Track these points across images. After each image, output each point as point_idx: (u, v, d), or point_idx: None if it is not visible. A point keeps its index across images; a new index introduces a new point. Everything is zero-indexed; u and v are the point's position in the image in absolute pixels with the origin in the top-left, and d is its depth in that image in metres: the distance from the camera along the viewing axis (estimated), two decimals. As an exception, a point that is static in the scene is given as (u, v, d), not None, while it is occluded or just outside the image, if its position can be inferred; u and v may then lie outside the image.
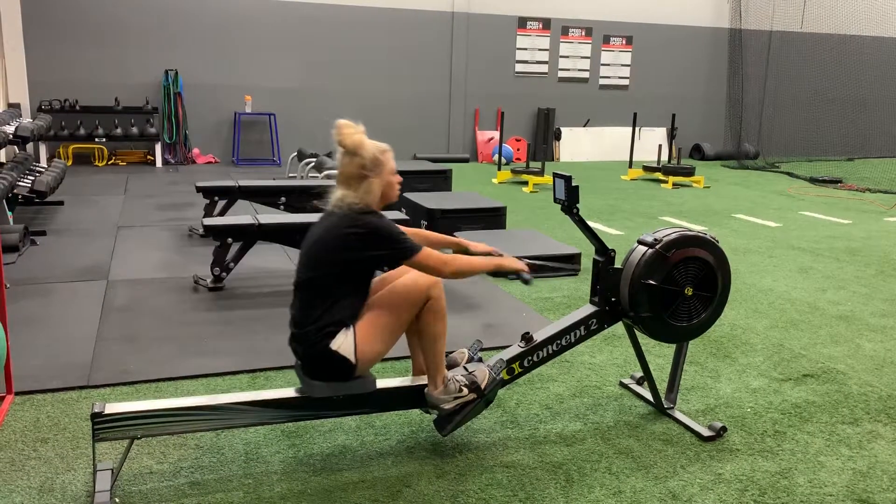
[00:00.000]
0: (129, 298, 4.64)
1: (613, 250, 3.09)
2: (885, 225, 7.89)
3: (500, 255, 2.89)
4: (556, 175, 3.05)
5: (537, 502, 2.56)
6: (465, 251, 2.96)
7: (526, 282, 2.82)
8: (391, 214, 5.60)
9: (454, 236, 3.03)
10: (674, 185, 10.43)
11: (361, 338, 2.58)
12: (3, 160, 7.93)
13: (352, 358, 2.57)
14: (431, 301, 2.70)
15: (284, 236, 5.09)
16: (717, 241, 3.09)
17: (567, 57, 13.44)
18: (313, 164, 9.06)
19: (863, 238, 7.15)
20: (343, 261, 2.55)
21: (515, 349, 3.01)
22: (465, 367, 2.96)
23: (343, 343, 2.56)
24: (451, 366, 3.00)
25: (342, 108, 12.10)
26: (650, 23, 13.71)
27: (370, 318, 2.62)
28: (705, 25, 14.08)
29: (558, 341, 3.04)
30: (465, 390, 2.80)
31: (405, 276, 2.71)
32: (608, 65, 13.71)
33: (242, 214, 5.41)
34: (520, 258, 2.91)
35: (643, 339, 3.24)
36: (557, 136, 13.47)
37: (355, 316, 2.62)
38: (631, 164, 11.40)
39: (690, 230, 3.08)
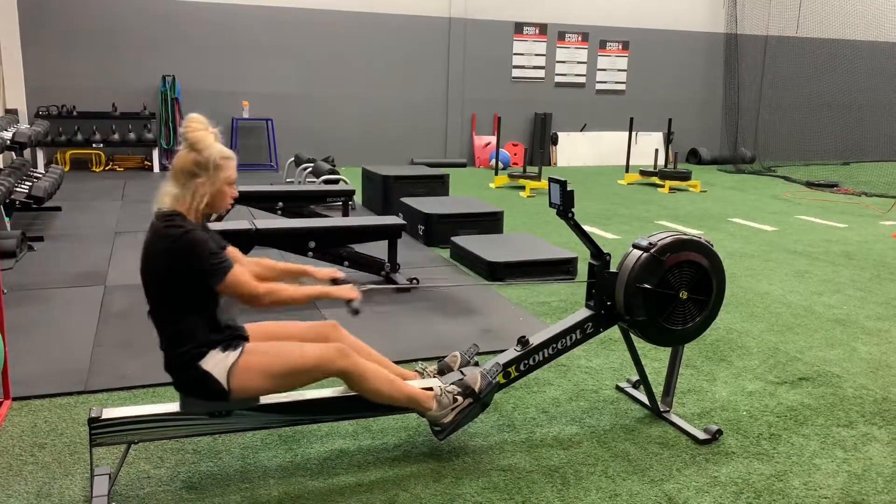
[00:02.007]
0: (127, 304, 4.64)
1: (609, 254, 3.10)
2: (880, 229, 7.92)
3: (342, 281, 2.72)
4: (551, 179, 3.07)
5: (534, 505, 2.57)
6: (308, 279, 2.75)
7: (354, 311, 2.62)
8: (391, 218, 5.61)
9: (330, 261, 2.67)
10: (670, 189, 10.46)
11: (243, 368, 2.45)
12: (1, 166, 7.94)
13: (224, 383, 2.44)
14: (348, 375, 2.58)
15: (282, 241, 5.10)
16: (712, 245, 3.11)
17: (563, 62, 13.48)
18: (310, 169, 9.08)
19: (859, 242, 7.17)
20: (165, 282, 2.40)
21: (512, 353, 3.02)
22: (459, 371, 2.97)
23: (217, 365, 2.44)
24: (443, 371, 3.01)
25: (339, 113, 12.13)
26: (646, 28, 13.76)
27: (266, 357, 2.49)
28: (701, 30, 14.13)
29: (554, 345, 3.06)
30: (460, 398, 2.79)
31: (318, 345, 2.57)
32: (604, 70, 13.75)
33: (240, 220, 5.42)
34: (362, 286, 2.74)
35: (639, 342, 3.25)
36: (554, 141, 13.50)
37: (219, 330, 2.49)
38: (627, 168, 11.43)
39: (685, 234, 3.10)
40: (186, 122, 2.45)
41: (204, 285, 2.41)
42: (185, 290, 2.41)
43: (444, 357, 3.13)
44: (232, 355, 2.47)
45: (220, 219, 5.89)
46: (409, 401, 2.71)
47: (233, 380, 2.46)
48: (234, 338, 2.53)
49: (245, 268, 2.54)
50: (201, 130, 2.44)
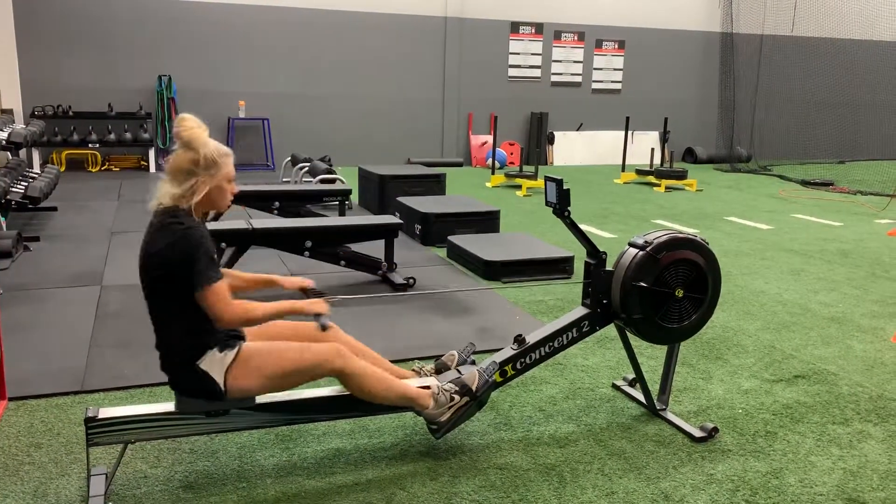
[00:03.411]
0: (123, 304, 4.64)
1: (605, 253, 3.11)
2: (876, 227, 7.94)
3: (312, 292, 2.71)
4: (547, 178, 3.08)
5: (530, 504, 2.58)
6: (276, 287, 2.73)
7: (323, 327, 2.56)
8: (387, 217, 5.61)
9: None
10: (666, 188, 10.47)
11: (240, 368, 2.46)
12: (-4, 166, 7.92)
13: (220, 383, 2.45)
14: (343, 375, 2.58)
15: (278, 241, 5.10)
16: (708, 244, 3.12)
17: (560, 61, 13.50)
18: (307, 168, 9.08)
19: (854, 240, 7.19)
20: (165, 278, 2.37)
21: (508, 352, 3.03)
22: (456, 370, 2.97)
23: (213, 365, 2.44)
24: (440, 370, 3.01)
25: (335, 112, 12.13)
26: (642, 27, 13.78)
27: (262, 357, 2.49)
28: (697, 29, 14.16)
29: (551, 343, 3.06)
30: (457, 397, 2.80)
31: (313, 345, 2.58)
32: (601, 69, 13.77)
33: (236, 219, 5.41)
34: (328, 299, 2.67)
35: (635, 341, 3.26)
36: (550, 141, 13.51)
37: (216, 330, 2.46)
38: (624, 167, 11.44)
39: (681, 233, 3.11)
40: (179, 122, 2.43)
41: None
42: (184, 287, 2.37)
43: (441, 356, 3.14)
44: (229, 355, 2.47)
45: (217, 217, 5.89)
46: (403, 400, 2.71)
47: (230, 380, 2.46)
48: (230, 337, 2.53)
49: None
50: (195, 129, 2.42)
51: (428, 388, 2.81)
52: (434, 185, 8.08)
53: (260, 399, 2.66)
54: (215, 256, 2.43)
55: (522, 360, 3.02)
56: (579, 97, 13.72)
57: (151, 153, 11.08)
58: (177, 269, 2.35)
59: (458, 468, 2.79)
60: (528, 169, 10.56)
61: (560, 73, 13.54)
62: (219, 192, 2.46)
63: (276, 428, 2.98)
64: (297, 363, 2.52)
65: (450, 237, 6.18)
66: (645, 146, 13.50)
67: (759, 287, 5.42)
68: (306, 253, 5.07)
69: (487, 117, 13.02)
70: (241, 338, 2.58)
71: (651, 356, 3.91)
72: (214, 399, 2.49)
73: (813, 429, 3.19)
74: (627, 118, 11.73)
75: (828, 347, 4.19)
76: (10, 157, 7.92)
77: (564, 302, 4.92)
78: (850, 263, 6.22)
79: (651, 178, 10.88)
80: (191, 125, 2.42)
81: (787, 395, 3.53)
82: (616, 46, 13.76)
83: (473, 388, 2.82)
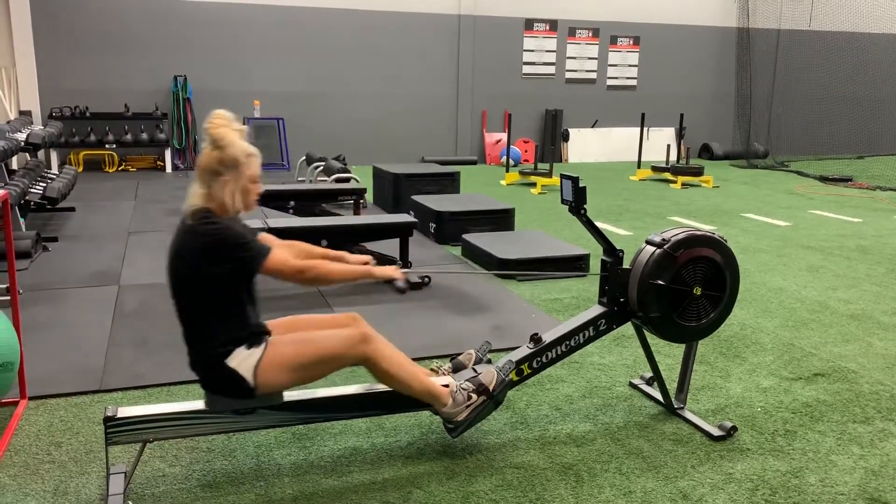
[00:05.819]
0: (141, 303, 4.67)
1: (622, 251, 3.09)
2: (895, 223, 7.84)
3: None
4: (563, 176, 3.06)
5: (548, 503, 2.56)
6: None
7: (400, 290, 2.61)
8: (402, 216, 5.61)
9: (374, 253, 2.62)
10: (683, 184, 10.41)
11: (268, 363, 2.44)
12: (15, 167, 8.00)
13: (250, 380, 2.43)
14: (370, 361, 2.57)
15: (294, 240, 5.10)
16: (725, 241, 3.09)
17: (574, 58, 13.44)
18: (322, 167, 9.09)
19: (873, 236, 7.11)
20: (198, 280, 2.36)
21: (524, 350, 3.02)
22: (473, 369, 2.96)
23: (242, 363, 2.43)
24: (457, 368, 3.00)
25: (350, 111, 12.15)
26: (657, 23, 13.69)
27: (288, 349, 2.48)
28: (712, 25, 14.05)
29: (567, 342, 3.05)
30: (474, 396, 2.78)
31: (339, 330, 2.59)
32: (615, 65, 13.70)
33: (252, 219, 5.43)
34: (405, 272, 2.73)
35: (652, 339, 3.23)
36: (565, 138, 13.46)
37: (245, 327, 2.46)
38: (639, 164, 11.38)
39: (699, 230, 3.08)
40: (210, 119, 2.41)
41: (240, 278, 2.41)
42: (218, 287, 2.38)
43: (457, 355, 3.13)
44: (256, 352, 2.46)
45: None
46: (426, 393, 2.70)
47: (259, 376, 2.44)
48: (257, 334, 2.52)
49: (281, 249, 2.54)
50: (223, 127, 2.39)
51: (447, 386, 2.80)
52: (448, 183, 8.07)
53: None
54: (252, 237, 2.43)
55: (539, 358, 3.01)
56: (594, 94, 13.66)
57: (167, 153, 11.15)
58: (217, 268, 2.34)
59: (475, 467, 2.79)
60: (543, 166, 10.52)
61: (574, 70, 13.49)
62: (244, 192, 2.44)
63: (293, 426, 2.99)
64: (324, 351, 2.50)
65: (464, 235, 6.17)
66: (660, 143, 13.42)
67: (778, 284, 5.37)
68: (321, 252, 5.07)
69: (501, 115, 12.99)
70: (267, 333, 2.57)
71: (668, 354, 3.88)
72: (244, 397, 2.47)
73: (833, 427, 3.15)
74: (643, 115, 11.66)
75: (848, 345, 4.15)
76: (29, 158, 7.99)
77: (580, 300, 4.90)
78: (870, 260, 6.15)
79: (667, 175, 10.82)
80: (220, 123, 2.40)
81: (807, 393, 3.50)
82: (631, 42, 13.68)
83: (490, 388, 2.81)
